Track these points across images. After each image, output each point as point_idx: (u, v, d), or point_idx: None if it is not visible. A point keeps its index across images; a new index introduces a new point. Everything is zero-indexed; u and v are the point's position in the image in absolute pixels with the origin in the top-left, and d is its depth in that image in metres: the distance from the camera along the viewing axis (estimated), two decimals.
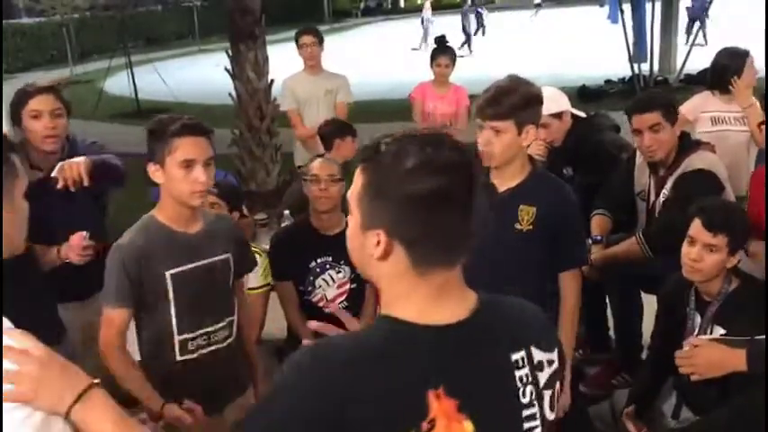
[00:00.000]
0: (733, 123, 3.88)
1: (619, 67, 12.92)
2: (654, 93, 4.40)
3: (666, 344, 2.58)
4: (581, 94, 11.14)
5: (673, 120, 3.09)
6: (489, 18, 24.61)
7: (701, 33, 16.10)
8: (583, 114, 3.77)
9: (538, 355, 1.22)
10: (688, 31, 16.19)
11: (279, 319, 3.44)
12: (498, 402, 1.18)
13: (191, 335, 2.36)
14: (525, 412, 1.19)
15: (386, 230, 1.15)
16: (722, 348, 2.31)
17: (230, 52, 7.38)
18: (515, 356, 1.19)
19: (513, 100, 2.37)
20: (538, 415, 1.20)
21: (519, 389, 1.18)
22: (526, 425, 1.19)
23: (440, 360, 1.14)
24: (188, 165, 2.23)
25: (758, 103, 3.85)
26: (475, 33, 22.66)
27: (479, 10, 23.91)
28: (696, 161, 3.06)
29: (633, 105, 3.16)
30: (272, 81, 7.39)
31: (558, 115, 3.54)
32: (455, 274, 1.19)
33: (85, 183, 2.73)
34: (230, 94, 7.49)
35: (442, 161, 1.14)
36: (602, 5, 26.94)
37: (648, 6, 12.92)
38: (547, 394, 1.22)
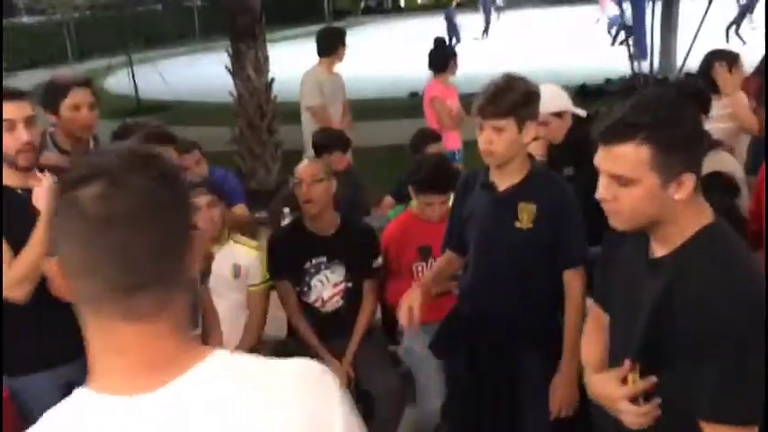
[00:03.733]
0: (719, 120, 3.94)
1: (619, 66, 12.90)
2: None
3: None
4: (581, 93, 11.11)
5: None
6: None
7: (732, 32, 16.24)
8: (583, 113, 3.76)
9: None
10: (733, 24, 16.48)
11: (279, 318, 3.44)
12: None
13: None
14: None
15: (689, 172, 1.48)
16: None
17: (230, 51, 7.38)
18: None
19: (513, 97, 2.37)
20: None
21: None
22: None
23: None
24: None
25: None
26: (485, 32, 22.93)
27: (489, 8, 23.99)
28: (714, 163, 2.99)
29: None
30: (272, 79, 7.40)
31: (559, 114, 3.53)
32: None
33: None
34: (230, 93, 7.49)
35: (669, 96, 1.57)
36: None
37: (648, 5, 12.92)
38: None
